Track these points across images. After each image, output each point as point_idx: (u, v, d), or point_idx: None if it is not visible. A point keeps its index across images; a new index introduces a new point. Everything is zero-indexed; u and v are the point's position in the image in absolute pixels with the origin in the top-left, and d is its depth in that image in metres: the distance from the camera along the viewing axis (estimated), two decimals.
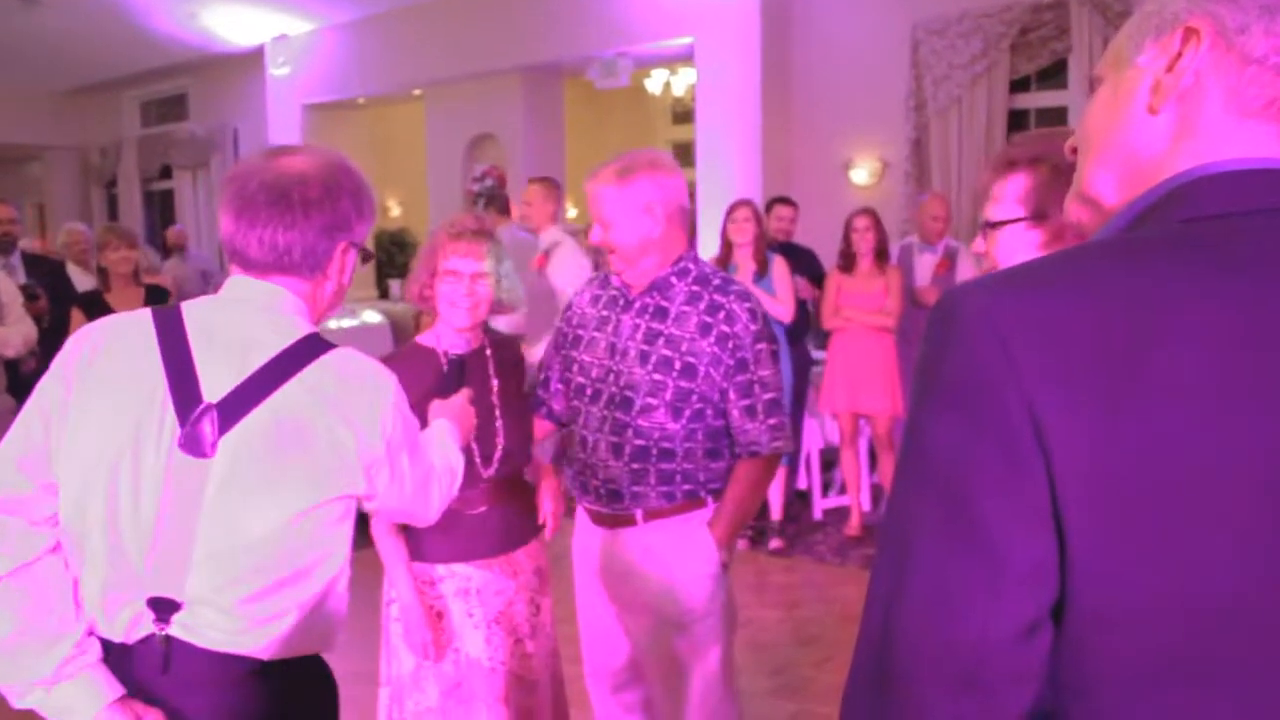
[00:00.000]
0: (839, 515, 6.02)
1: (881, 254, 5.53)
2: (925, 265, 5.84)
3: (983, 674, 0.80)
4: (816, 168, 7.60)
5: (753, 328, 2.43)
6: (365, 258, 1.76)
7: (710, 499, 2.49)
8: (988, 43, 6.82)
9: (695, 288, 2.46)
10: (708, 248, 7.44)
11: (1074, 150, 1.02)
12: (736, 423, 2.44)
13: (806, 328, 5.86)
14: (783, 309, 5.36)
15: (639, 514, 2.48)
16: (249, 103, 11.57)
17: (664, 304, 2.46)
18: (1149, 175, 0.91)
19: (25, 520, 1.56)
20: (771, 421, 2.45)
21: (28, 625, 1.51)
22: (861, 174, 7.51)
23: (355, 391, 1.59)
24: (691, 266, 2.49)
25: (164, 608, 1.52)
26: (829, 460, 6.40)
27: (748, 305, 2.44)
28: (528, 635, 2.50)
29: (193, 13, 10.01)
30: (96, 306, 4.82)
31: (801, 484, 6.16)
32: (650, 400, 2.42)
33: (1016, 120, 7.06)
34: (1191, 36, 0.89)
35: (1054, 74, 6.93)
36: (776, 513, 5.62)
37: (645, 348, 2.44)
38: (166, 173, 13.07)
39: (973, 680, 0.81)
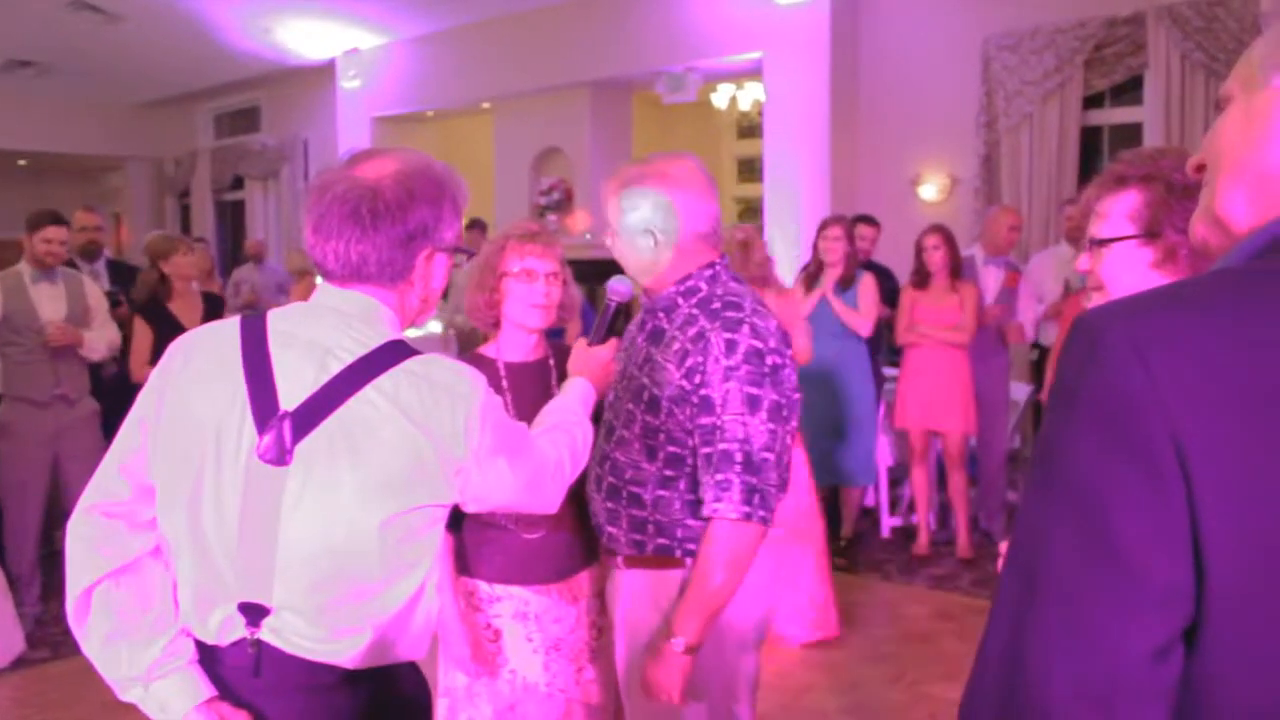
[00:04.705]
0: (906, 533, 5.97)
1: (955, 270, 5.48)
2: (991, 278, 5.77)
3: (1116, 694, 0.80)
4: (884, 183, 7.55)
5: (724, 362, 1.99)
6: (469, 256, 1.73)
7: (689, 560, 2.11)
8: (1061, 58, 6.73)
9: (695, 310, 2.09)
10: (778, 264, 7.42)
11: (1197, 169, 1.00)
12: (700, 475, 2.05)
13: (879, 345, 5.82)
14: (863, 322, 5.35)
15: (619, 559, 2.23)
16: (319, 115, 11.76)
17: (664, 326, 2.14)
18: None
19: (125, 524, 1.59)
20: (719, 477, 1.98)
21: (125, 625, 1.55)
22: (930, 190, 7.45)
23: (435, 399, 1.54)
24: (702, 286, 2.13)
25: (254, 612, 1.54)
26: (895, 478, 6.34)
27: (728, 336, 2.00)
28: (588, 661, 2.42)
29: (267, 28, 10.22)
30: (158, 313, 4.91)
31: (869, 501, 6.11)
32: (624, 433, 2.15)
33: (1089, 137, 6.96)
34: None
35: (1129, 90, 6.82)
36: (846, 529, 5.59)
37: (636, 372, 2.16)
38: (238, 183, 13.32)
39: (1106, 700, 0.80)
